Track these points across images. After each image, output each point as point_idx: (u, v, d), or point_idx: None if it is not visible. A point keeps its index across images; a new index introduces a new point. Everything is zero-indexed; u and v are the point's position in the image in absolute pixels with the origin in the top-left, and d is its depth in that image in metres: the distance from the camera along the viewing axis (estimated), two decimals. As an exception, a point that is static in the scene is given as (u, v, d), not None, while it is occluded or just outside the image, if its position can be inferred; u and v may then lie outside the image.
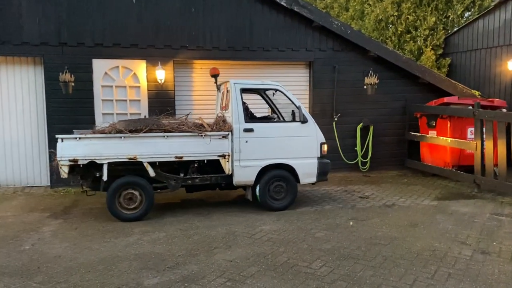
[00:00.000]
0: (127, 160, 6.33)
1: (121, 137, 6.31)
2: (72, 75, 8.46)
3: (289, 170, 6.97)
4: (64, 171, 6.16)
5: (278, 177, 6.91)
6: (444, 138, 9.14)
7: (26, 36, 8.47)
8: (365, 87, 9.96)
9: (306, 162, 6.98)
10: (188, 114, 7.85)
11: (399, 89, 10.52)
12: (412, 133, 10.24)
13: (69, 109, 8.68)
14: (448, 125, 9.20)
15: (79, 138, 6.22)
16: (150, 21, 9.02)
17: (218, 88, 7.85)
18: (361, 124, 10.34)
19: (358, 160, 10.39)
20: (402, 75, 10.45)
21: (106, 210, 7.00)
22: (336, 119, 10.23)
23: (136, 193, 6.45)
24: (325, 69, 10.14)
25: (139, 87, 9.15)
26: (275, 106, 7.50)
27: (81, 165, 6.23)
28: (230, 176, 6.77)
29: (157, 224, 6.33)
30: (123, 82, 9.06)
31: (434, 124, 9.63)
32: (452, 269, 4.68)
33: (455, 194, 8.26)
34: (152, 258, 5.00)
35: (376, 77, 9.84)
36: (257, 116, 7.72)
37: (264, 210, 7.01)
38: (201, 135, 6.55)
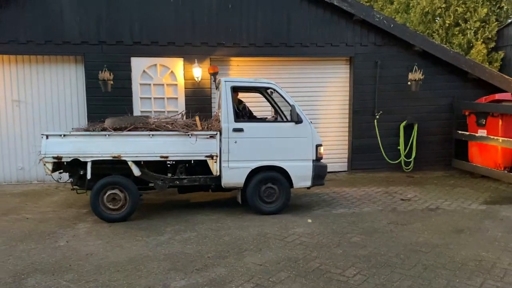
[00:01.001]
0: (111, 158, 6.18)
1: (105, 135, 6.18)
2: (111, 73, 8.59)
3: (282, 172, 6.60)
4: (48, 168, 6.11)
5: (269, 179, 6.58)
6: (495, 137, 8.53)
7: (67, 36, 8.67)
8: (409, 83, 9.48)
9: (300, 165, 6.59)
10: (184, 112, 7.73)
11: (446, 85, 9.94)
12: (460, 132, 9.65)
13: (108, 107, 8.77)
14: (500, 123, 8.58)
15: (64, 135, 6.17)
16: (187, 18, 8.99)
17: (217, 87, 7.64)
18: (404, 122, 9.87)
19: (401, 160, 9.94)
20: (449, 71, 9.87)
21: (142, 208, 7.04)
22: (377, 116, 9.82)
23: (120, 193, 6.26)
24: (366, 65, 9.75)
25: (176, 85, 9.16)
26: (277, 105, 7.07)
27: (65, 163, 6.18)
28: (219, 178, 6.50)
29: (189, 223, 6.27)
30: (160, 80, 9.11)
31: (484, 123, 9.02)
32: (501, 282, 4.29)
33: (507, 198, 7.68)
34: (181, 259, 4.93)
35: (421, 72, 9.34)
36: (255, 116, 7.46)
37: (299, 211, 6.80)
38: (188, 135, 6.30)
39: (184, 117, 7.52)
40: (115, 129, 6.24)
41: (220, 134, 6.42)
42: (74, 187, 6.56)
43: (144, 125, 6.41)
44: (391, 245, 5.30)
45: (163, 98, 9.12)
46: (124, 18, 8.81)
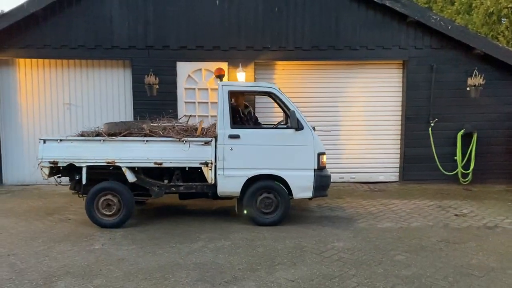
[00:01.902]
0: (105, 164, 6.09)
1: (100, 140, 6.10)
2: (157, 78, 8.66)
3: (281, 182, 6.26)
4: (44, 173, 6.13)
5: (266, 189, 6.25)
6: None
7: (116, 41, 8.86)
8: (468, 88, 8.80)
9: (300, 174, 6.18)
10: (189, 117, 7.48)
11: (510, 91, 9.12)
12: (526, 143, 8.81)
13: (153, 111, 8.78)
14: None
15: (60, 140, 6.15)
16: (232, 22, 8.90)
17: None
18: (462, 131, 9.16)
19: (457, 171, 9.23)
20: (514, 75, 9.06)
21: (180, 213, 6.97)
22: (432, 124, 9.19)
23: (114, 199, 6.17)
24: (421, 69, 9.17)
25: (220, 89, 9.07)
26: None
27: (61, 168, 6.17)
28: (215, 186, 6.24)
29: (225, 230, 6.09)
30: (205, 84, 9.06)
31: (554, 133, 8.16)
32: None
33: None
34: (211, 269, 4.74)
35: (482, 77, 8.63)
36: (261, 122, 7.25)
37: (342, 224, 6.43)
38: (182, 141, 6.07)
39: (189, 121, 7.30)
40: (109, 135, 6.17)
41: (216, 140, 6.18)
42: (73, 191, 6.49)
43: (139, 130, 6.30)
44: (439, 266, 4.81)
45: (207, 102, 9.07)
46: (170, 23, 8.87)
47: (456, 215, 6.95)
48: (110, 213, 6.21)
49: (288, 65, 9.22)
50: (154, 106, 8.84)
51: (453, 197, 8.23)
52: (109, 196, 6.18)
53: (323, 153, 6.27)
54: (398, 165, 9.54)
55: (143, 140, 6.11)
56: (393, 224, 6.46)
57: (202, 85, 9.07)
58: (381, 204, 7.65)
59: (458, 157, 9.20)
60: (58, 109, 9.24)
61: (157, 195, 6.34)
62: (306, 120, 6.26)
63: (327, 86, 9.31)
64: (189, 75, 9.03)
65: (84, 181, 6.12)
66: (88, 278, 4.54)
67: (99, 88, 9.23)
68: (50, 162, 6.08)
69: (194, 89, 9.08)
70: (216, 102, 9.02)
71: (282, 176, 6.21)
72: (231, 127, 6.17)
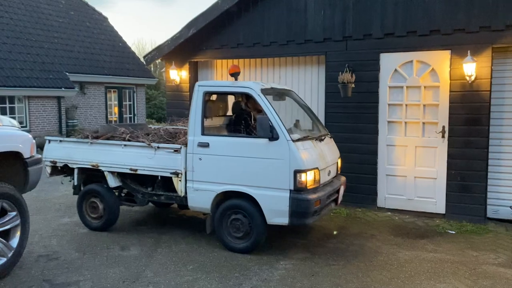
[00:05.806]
0: (90, 167, 6.08)
1: (88, 143, 6.12)
2: (353, 75, 7.04)
3: (254, 201, 5.20)
4: (47, 171, 6.41)
5: (235, 209, 5.32)
6: None
7: (309, 34, 7.58)
8: None
9: (272, 195, 5.08)
10: (183, 119, 7.12)
11: None
12: None
13: (348, 116, 7.31)
14: None
15: (60, 140, 6.40)
16: (459, -5, 6.50)
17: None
18: None
19: None
20: None
21: (370, 250, 5.24)
22: None
23: (98, 202, 6.11)
24: None
25: (438, 87, 6.77)
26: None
27: (59, 168, 6.37)
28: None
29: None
30: (416, 81, 6.91)
31: None
32: None
33: None
34: None
35: None
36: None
37: None
38: (152, 147, 5.64)
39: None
40: (95, 138, 6.19)
41: (187, 148, 5.55)
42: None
43: (120, 134, 6.20)
44: None
45: (419, 104, 6.90)
46: (374, 5, 7.07)
47: None
48: (95, 216, 6.19)
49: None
50: (349, 110, 7.28)
51: None
52: (94, 199, 6.18)
53: (304, 171, 4.95)
54: None
55: (121, 145, 5.96)
56: None
57: (412, 82, 6.94)
58: None
59: None
60: (250, 112, 8.58)
61: (140, 203, 6.10)
62: None
63: None
64: (395, 70, 7.04)
65: (75, 182, 6.32)
66: None
67: (291, 88, 8.12)
68: (50, 162, 6.39)
69: (401, 87, 7.03)
70: (431, 104, 6.87)
71: (252, 194, 5.22)
72: (202, 134, 5.48)
